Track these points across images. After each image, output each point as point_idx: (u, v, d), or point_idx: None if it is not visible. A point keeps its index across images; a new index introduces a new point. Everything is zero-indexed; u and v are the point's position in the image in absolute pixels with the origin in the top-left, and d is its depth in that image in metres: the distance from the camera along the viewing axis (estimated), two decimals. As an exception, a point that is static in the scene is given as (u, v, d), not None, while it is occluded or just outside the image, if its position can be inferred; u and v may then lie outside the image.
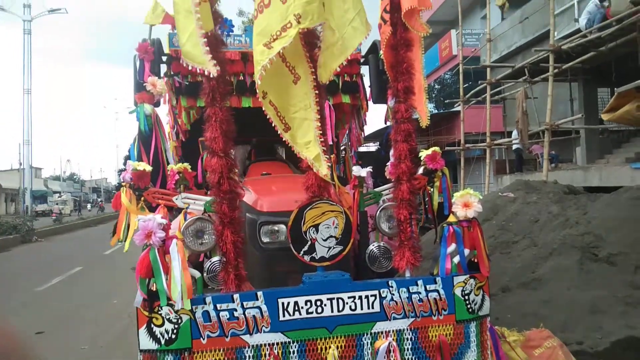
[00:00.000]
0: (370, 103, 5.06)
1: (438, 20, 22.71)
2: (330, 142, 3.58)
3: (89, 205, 43.46)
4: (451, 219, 2.87)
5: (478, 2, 17.99)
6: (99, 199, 46.95)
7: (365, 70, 5.11)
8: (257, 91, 2.70)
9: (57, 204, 40.93)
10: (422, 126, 3.03)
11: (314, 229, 2.77)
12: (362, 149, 6.39)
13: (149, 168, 3.43)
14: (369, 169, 3.57)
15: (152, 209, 3.43)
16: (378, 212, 3.39)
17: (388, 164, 3.56)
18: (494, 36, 13.69)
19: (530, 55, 11.61)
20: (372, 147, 22.86)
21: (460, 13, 13.93)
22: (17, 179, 34.21)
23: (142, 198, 3.40)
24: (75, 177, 78.58)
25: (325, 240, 2.77)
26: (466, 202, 2.80)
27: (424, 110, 3.04)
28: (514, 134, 13.00)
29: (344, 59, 2.88)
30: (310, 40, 2.82)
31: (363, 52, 4.99)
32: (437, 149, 3.51)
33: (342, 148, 6.09)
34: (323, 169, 2.72)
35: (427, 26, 3.07)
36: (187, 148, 5.38)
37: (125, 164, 4.09)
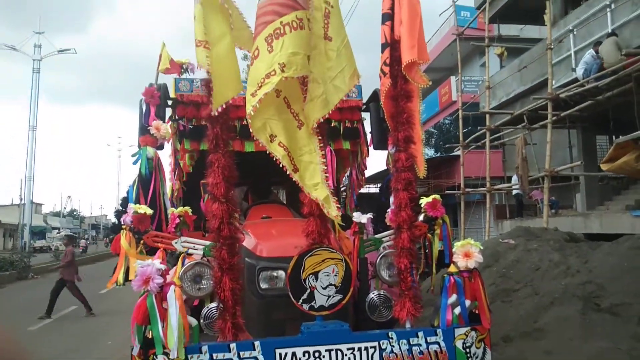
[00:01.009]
0: (370, 148, 5.13)
1: (438, 67, 23.23)
2: (332, 187, 3.61)
3: (82, 242, 43.17)
4: (452, 269, 2.86)
5: (477, 51, 18.45)
6: (85, 239, 46.25)
7: (366, 116, 5.20)
8: (257, 134, 2.75)
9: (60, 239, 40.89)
10: (420, 176, 3.07)
11: (313, 276, 2.76)
12: (362, 190, 6.41)
13: (149, 211, 3.44)
14: (370, 215, 3.58)
15: (151, 252, 3.42)
16: (378, 259, 3.37)
17: (388, 210, 3.57)
18: (493, 83, 13.96)
19: (529, 102, 11.81)
20: (373, 188, 22.94)
21: (459, 61, 14.26)
22: (17, 214, 34.10)
23: (142, 241, 3.40)
24: (75, 213, 78.42)
25: (324, 288, 2.75)
26: (467, 252, 2.79)
27: (421, 160, 3.08)
28: (514, 179, 13.06)
29: (326, 113, 2.96)
30: (303, 90, 2.91)
31: (364, 100, 5.09)
32: (437, 196, 3.53)
33: (342, 190, 6.12)
34: (333, 210, 2.76)
35: (426, 78, 3.15)
36: (188, 190, 5.40)
37: (123, 205, 4.11)
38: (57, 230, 48.77)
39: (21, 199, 35.34)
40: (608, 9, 9.99)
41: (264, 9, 2.82)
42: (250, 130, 2.76)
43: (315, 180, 2.82)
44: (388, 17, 3.15)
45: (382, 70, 3.21)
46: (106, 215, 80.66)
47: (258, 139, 2.77)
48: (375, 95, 4.84)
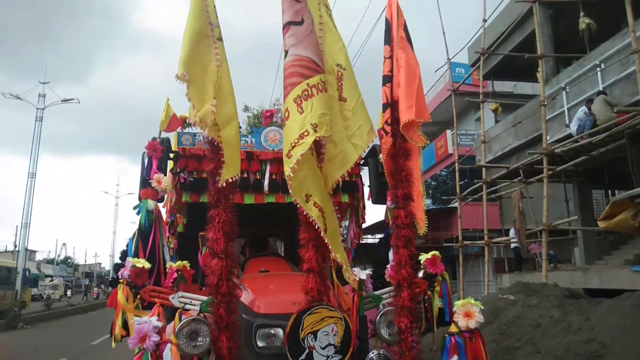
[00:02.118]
0: (368, 202, 5.17)
1: (434, 121, 23.64)
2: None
3: (68, 292, 42.30)
4: (453, 328, 2.83)
5: (472, 106, 18.88)
6: (68, 290, 45.34)
7: (364, 170, 5.27)
8: (295, 194, 2.79)
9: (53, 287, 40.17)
10: (420, 233, 3.09)
11: (312, 335, 2.72)
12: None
13: (147, 265, 3.42)
14: (369, 271, 3.56)
15: (148, 307, 3.38)
16: (378, 317, 3.33)
17: (388, 266, 3.56)
18: (488, 138, 14.21)
19: (525, 156, 11.97)
20: (370, 239, 22.82)
21: (455, 115, 14.56)
22: (10, 261, 33.65)
23: (138, 296, 3.36)
24: (69, 261, 77.34)
25: (323, 348, 2.71)
26: (468, 312, 2.77)
27: (422, 217, 3.11)
28: (512, 232, 13.04)
29: (345, 172, 3.02)
30: (317, 150, 2.98)
31: (363, 155, 5.18)
32: (436, 253, 3.52)
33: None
34: (351, 275, 2.82)
35: (424, 137, 3.23)
36: (185, 241, 5.38)
37: (122, 258, 4.08)
38: (49, 278, 47.92)
39: (15, 246, 35.00)
40: (598, 69, 10.32)
41: (289, 70, 2.93)
42: (290, 191, 2.80)
43: (338, 241, 2.89)
44: (388, 79, 3.26)
45: (384, 129, 3.29)
46: (100, 264, 79.59)
47: (295, 199, 2.80)
48: (373, 151, 4.93)
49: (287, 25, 2.98)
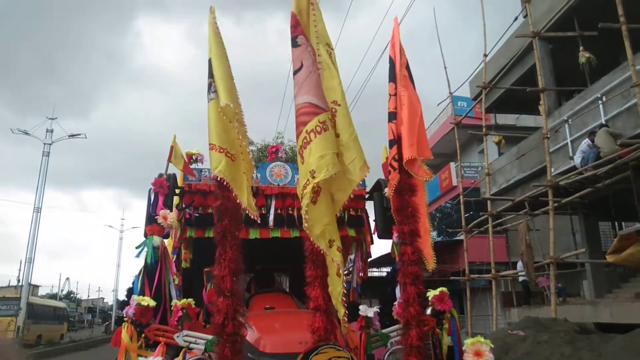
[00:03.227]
0: (374, 237, 5.15)
1: (437, 153, 23.78)
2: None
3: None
4: (462, 368, 2.77)
5: (475, 138, 18.98)
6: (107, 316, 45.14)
7: (369, 205, 5.28)
8: (318, 242, 2.83)
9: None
10: (428, 269, 3.07)
11: (319, 376, 2.67)
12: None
13: (153, 303, 3.40)
14: (376, 308, 3.52)
15: (152, 346, 3.34)
16: (386, 356, 3.27)
17: (395, 303, 3.52)
18: (492, 170, 14.22)
19: (529, 188, 11.95)
20: (376, 272, 22.58)
21: (458, 148, 14.62)
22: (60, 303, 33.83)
23: (143, 335, 3.33)
24: (71, 295, 76.60)
25: (331, 389, 2.65)
26: (478, 351, 2.72)
27: (429, 253, 3.09)
28: (519, 265, 12.89)
29: (340, 207, 3.10)
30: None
31: (368, 189, 5.19)
32: (444, 289, 3.49)
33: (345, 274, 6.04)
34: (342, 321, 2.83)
35: (429, 171, 3.24)
36: (190, 277, 5.35)
37: (128, 296, 4.06)
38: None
39: (19, 281, 34.77)
40: (600, 101, 10.41)
41: (296, 120, 3.02)
42: (312, 239, 2.84)
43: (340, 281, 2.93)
44: (394, 116, 3.31)
45: (391, 165, 3.31)
46: (103, 298, 78.73)
47: (319, 246, 2.83)
48: (378, 185, 4.94)
49: (294, 75, 3.10)
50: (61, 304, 35.84)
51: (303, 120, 2.93)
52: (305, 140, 2.87)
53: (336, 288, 2.91)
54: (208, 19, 3.36)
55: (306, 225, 2.78)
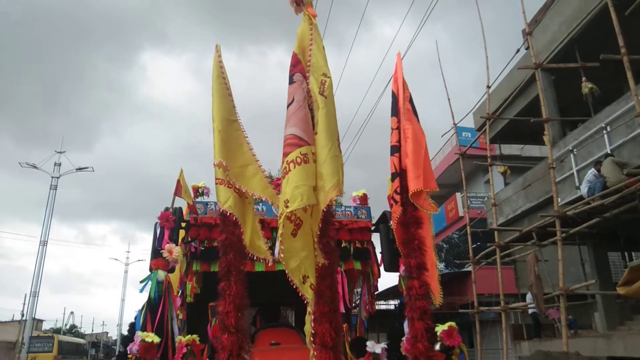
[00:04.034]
0: (381, 269, 5.10)
1: (443, 184, 23.75)
2: (343, 310, 3.54)
3: None
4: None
5: (480, 168, 18.99)
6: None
7: (375, 237, 5.24)
8: (292, 275, 2.79)
9: None
10: (436, 305, 3.03)
11: (326, 415, 2.60)
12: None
13: (157, 339, 3.36)
14: (384, 344, 3.45)
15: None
16: (394, 394, 3.19)
17: (403, 338, 3.46)
18: (499, 200, 14.15)
19: (537, 219, 11.84)
20: (383, 305, 22.26)
21: (464, 179, 14.60)
22: (16, 331, 33.09)
23: (147, 372, 3.27)
24: (74, 329, 75.74)
25: None
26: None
27: (436, 287, 3.05)
28: (529, 297, 12.67)
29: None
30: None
31: (374, 221, 5.17)
32: (453, 324, 3.43)
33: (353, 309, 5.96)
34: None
35: (435, 204, 3.23)
36: (195, 312, 5.29)
37: (130, 331, 4.02)
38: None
39: (22, 315, 34.48)
40: (604, 131, 10.43)
41: (283, 150, 3.04)
42: (286, 271, 2.81)
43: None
44: (396, 149, 3.33)
45: (393, 198, 3.32)
46: (107, 333, 77.76)
47: (292, 280, 2.80)
48: (384, 217, 4.92)
49: (286, 109, 3.16)
50: (82, 340, 41.21)
51: (286, 151, 2.97)
52: (285, 170, 2.90)
53: (306, 327, 2.87)
54: (213, 57, 3.43)
55: (282, 256, 2.75)
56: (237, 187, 3.14)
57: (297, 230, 2.85)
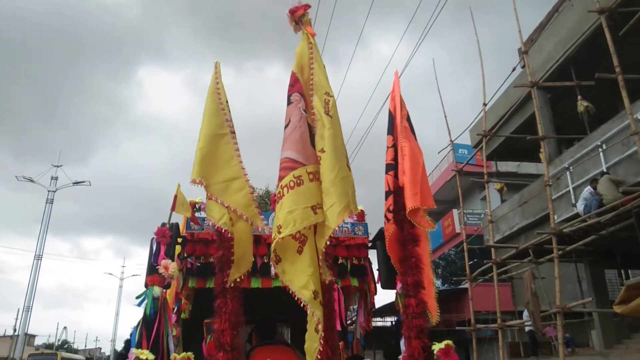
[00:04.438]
0: (378, 286, 5.07)
1: (439, 200, 23.78)
2: (339, 328, 3.52)
3: None
4: None
5: (477, 185, 19.04)
6: None
7: (372, 254, 5.23)
8: (300, 293, 2.80)
9: None
10: (433, 323, 3.01)
11: None
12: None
13: (152, 357, 3.33)
14: (380, 363, 3.43)
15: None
16: (390, 413, 3.16)
17: (400, 357, 3.43)
18: (495, 217, 14.16)
19: (533, 236, 11.86)
20: (380, 322, 22.10)
21: (460, 195, 14.63)
22: (8, 347, 32.68)
23: (141, 390, 3.23)
24: (67, 345, 74.77)
25: None
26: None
27: (433, 306, 3.04)
28: (525, 315, 12.63)
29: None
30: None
31: (371, 237, 5.16)
32: (450, 342, 3.40)
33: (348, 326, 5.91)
34: None
35: (432, 222, 3.24)
36: (189, 329, 5.24)
37: (126, 348, 3.99)
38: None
39: (15, 330, 34.07)
40: (600, 149, 10.50)
41: (279, 174, 3.07)
42: (292, 291, 2.81)
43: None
44: (391, 167, 3.35)
45: (386, 216, 3.32)
46: (100, 348, 76.80)
47: (301, 298, 2.79)
48: (381, 234, 4.91)
49: (284, 131, 3.19)
50: (81, 357, 42.72)
51: (281, 176, 3.01)
52: (279, 195, 2.93)
53: (312, 345, 2.83)
54: (212, 75, 3.45)
55: (285, 277, 2.77)
56: (220, 202, 3.14)
57: (302, 247, 2.86)
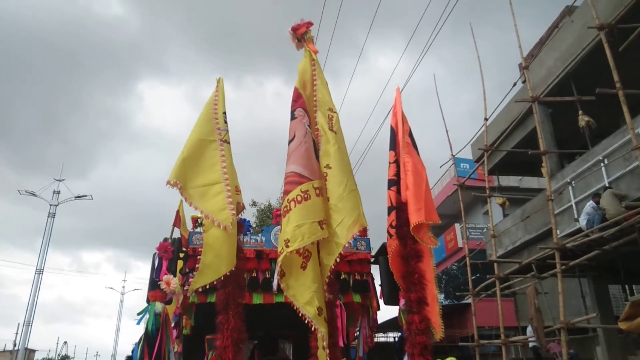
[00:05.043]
0: (381, 302, 5.05)
1: (441, 214, 23.57)
2: (342, 344, 3.49)
3: None
4: None
5: (479, 199, 19.02)
6: None
7: (375, 269, 5.21)
8: (304, 309, 2.80)
9: None
10: (437, 339, 2.99)
11: None
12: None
13: (153, 374, 3.30)
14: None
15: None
16: None
17: (403, 374, 3.39)
18: (498, 232, 14.10)
19: (536, 251, 11.79)
20: (382, 337, 21.90)
21: (462, 210, 14.59)
22: (7, 363, 32.61)
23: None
24: (67, 360, 74.08)
25: None
26: None
27: (437, 322, 3.03)
28: (529, 330, 12.50)
29: (328, 270, 3.05)
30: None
31: (373, 253, 5.15)
32: (454, 359, 3.38)
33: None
34: None
35: (435, 239, 3.24)
36: (191, 344, 5.21)
37: (127, 365, 3.95)
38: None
39: (15, 345, 33.89)
40: (602, 164, 10.49)
41: (284, 187, 3.08)
42: (297, 307, 2.81)
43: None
44: (394, 183, 3.35)
45: (388, 232, 3.32)
46: (100, 364, 76.03)
47: (305, 314, 2.79)
48: (384, 249, 4.89)
49: (288, 145, 3.21)
50: None
51: (286, 189, 3.02)
52: (285, 209, 2.94)
53: None
54: (214, 89, 3.49)
55: (289, 292, 2.76)
56: (194, 207, 3.16)
57: (306, 262, 2.86)
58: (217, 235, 3.13)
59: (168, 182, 3.10)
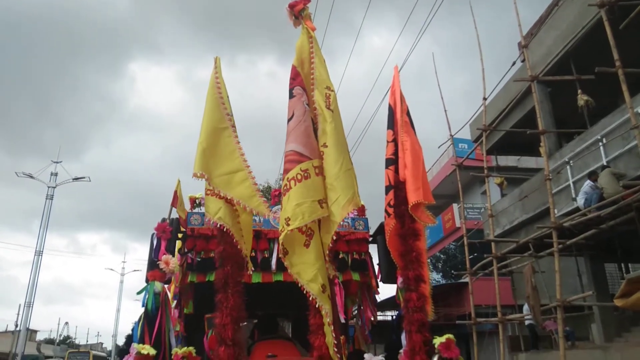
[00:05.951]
0: (378, 281, 5.08)
1: (439, 195, 23.75)
2: (342, 321, 3.53)
3: None
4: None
5: (477, 179, 19.04)
6: None
7: (373, 249, 5.23)
8: (309, 286, 2.82)
9: None
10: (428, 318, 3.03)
11: None
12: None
13: (153, 352, 3.34)
14: (381, 357, 3.44)
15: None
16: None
17: (401, 351, 3.44)
18: (495, 212, 14.16)
19: (533, 230, 11.86)
20: (380, 316, 22.15)
21: (460, 190, 14.62)
22: (9, 342, 32.78)
23: (143, 385, 3.25)
24: (69, 340, 74.95)
25: None
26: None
27: (428, 302, 3.07)
28: (525, 308, 12.65)
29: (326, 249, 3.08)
30: None
31: (371, 232, 5.17)
32: (451, 336, 3.41)
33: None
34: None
35: (432, 217, 3.24)
36: (190, 323, 5.25)
37: (127, 343, 4.00)
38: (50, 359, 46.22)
39: (16, 326, 34.18)
40: (600, 143, 10.49)
41: (284, 166, 3.08)
42: (301, 284, 2.83)
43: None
44: (392, 162, 3.34)
45: (386, 211, 3.33)
46: (102, 344, 77.00)
47: (309, 291, 2.82)
48: (382, 228, 4.91)
49: (287, 124, 3.19)
50: (103, 354, 47.81)
51: (286, 168, 3.02)
52: (285, 187, 2.95)
53: (327, 338, 2.85)
54: (212, 70, 3.45)
55: (292, 269, 2.79)
56: (223, 195, 3.15)
57: (309, 240, 2.88)
58: (248, 221, 3.36)
59: (194, 175, 3.12)
